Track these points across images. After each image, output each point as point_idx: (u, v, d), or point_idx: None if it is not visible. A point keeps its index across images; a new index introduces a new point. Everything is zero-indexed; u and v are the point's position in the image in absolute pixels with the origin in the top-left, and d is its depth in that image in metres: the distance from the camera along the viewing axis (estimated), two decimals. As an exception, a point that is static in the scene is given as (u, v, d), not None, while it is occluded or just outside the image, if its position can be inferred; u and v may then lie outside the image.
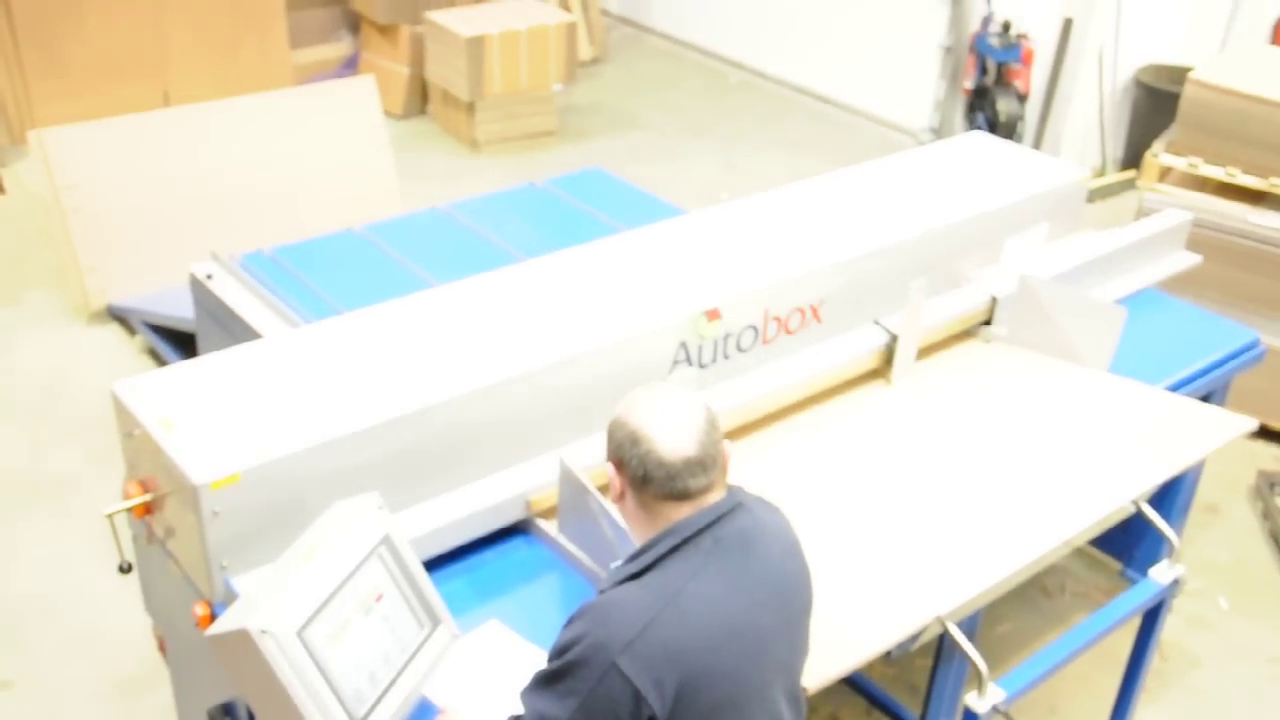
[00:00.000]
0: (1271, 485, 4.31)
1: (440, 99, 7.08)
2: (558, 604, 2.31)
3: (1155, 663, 2.98)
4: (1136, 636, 2.93)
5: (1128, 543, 3.76)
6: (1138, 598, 2.71)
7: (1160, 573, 2.73)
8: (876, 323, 3.07)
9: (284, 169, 5.33)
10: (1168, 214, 3.70)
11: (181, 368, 2.43)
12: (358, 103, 5.56)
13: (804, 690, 2.02)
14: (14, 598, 3.72)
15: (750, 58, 8.17)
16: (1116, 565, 3.92)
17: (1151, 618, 2.85)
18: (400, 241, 3.68)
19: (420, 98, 7.31)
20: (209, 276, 3.39)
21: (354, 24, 7.53)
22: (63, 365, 4.84)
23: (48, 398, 4.65)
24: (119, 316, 5.06)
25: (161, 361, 4.65)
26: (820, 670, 2.10)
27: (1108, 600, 2.75)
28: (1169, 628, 3.41)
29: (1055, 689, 3.38)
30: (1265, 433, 4.50)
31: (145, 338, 4.87)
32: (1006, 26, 6.49)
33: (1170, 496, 3.21)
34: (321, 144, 5.43)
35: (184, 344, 4.50)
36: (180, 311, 4.20)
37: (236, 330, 3.18)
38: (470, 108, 6.79)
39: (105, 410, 2.44)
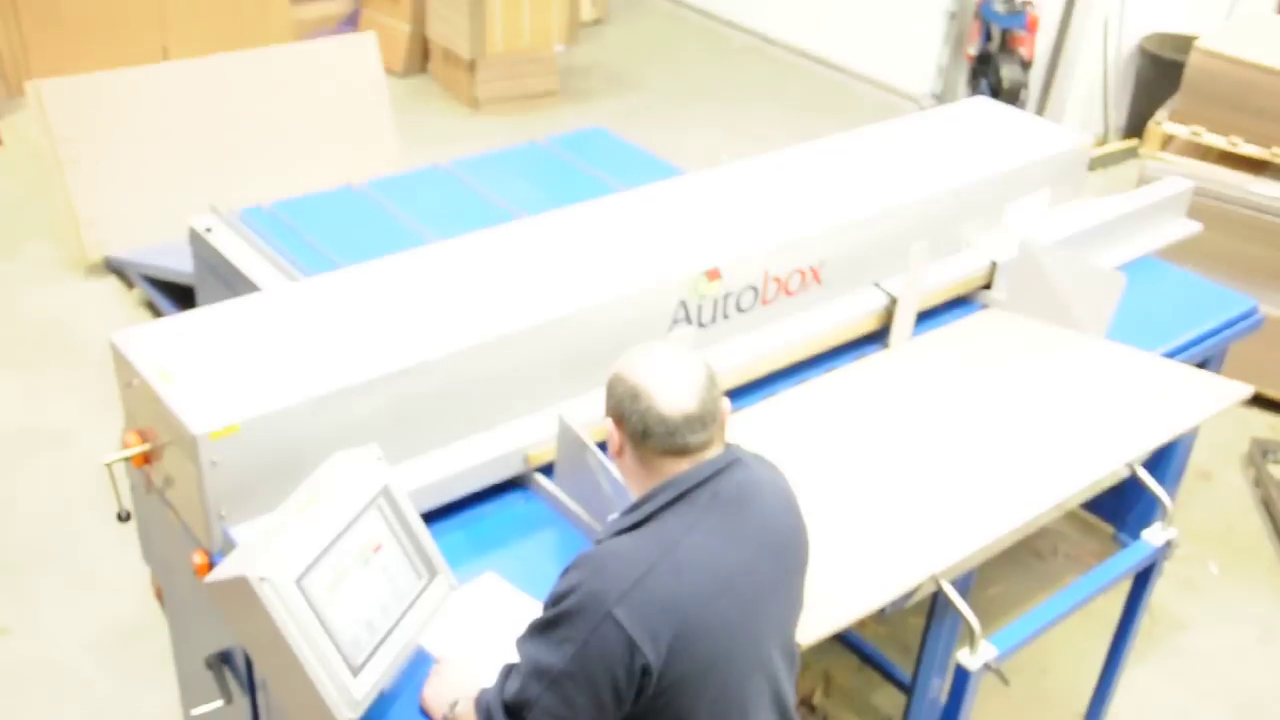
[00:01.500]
0: (1264, 453, 4.34)
1: (441, 57, 7.04)
2: (554, 557, 2.33)
3: (1144, 625, 3.01)
4: (1127, 599, 2.95)
5: (1120, 507, 3.77)
6: (1130, 559, 2.73)
7: (1153, 534, 2.75)
8: (876, 285, 3.07)
9: (283, 125, 5.30)
10: (1169, 182, 3.69)
11: (181, 319, 2.43)
12: (358, 60, 5.53)
13: (798, 645, 2.04)
14: (13, 546, 3.74)
15: (754, 21, 8.12)
16: (1109, 529, 3.94)
17: (1142, 580, 2.87)
18: (400, 198, 3.67)
19: (421, 56, 7.26)
20: (208, 230, 3.38)
21: (355, -20, 7.49)
22: (60, 317, 4.84)
23: (46, 349, 4.65)
24: (117, 269, 5.06)
25: (159, 315, 4.65)
26: (814, 625, 2.12)
27: (1099, 563, 2.77)
28: (1158, 591, 3.44)
29: (1046, 649, 3.41)
30: (1259, 400, 4.52)
31: (143, 291, 4.87)
32: (1012, -8, 6.46)
33: (1164, 462, 3.23)
34: (321, 100, 5.40)
35: (182, 298, 4.50)
36: (179, 265, 4.19)
37: (235, 284, 3.18)
38: (471, 66, 6.75)
39: (103, 362, 2.44)
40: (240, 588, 1.83)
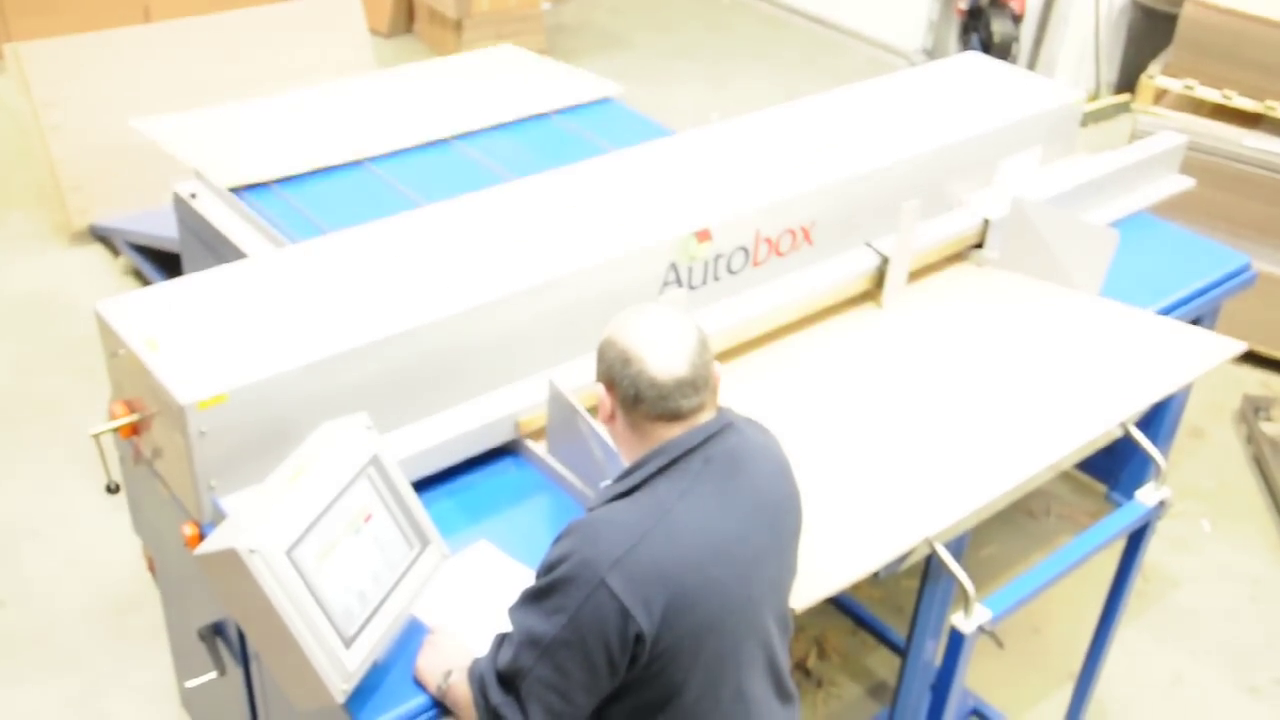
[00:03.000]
0: (1256, 410, 4.34)
1: (427, 17, 6.96)
2: (546, 524, 2.32)
3: (1137, 583, 3.01)
4: (1120, 558, 2.95)
5: (1113, 466, 3.79)
6: (1124, 519, 2.72)
7: (1147, 494, 2.74)
8: (868, 245, 3.05)
9: (267, 87, 5.23)
10: (1162, 137, 3.67)
11: (167, 287, 2.40)
12: (342, 19, 5.46)
13: (792, 611, 2.03)
14: (2, 519, 3.72)
15: (742, -24, 8.04)
16: (1101, 489, 3.95)
17: (1136, 540, 2.87)
18: (386, 161, 3.62)
19: (407, 15, 7.18)
20: (193, 196, 3.34)
21: (337, -62, 7.37)
22: (45, 287, 4.80)
23: (31, 319, 4.61)
24: (102, 237, 5.01)
25: (146, 282, 4.61)
26: (808, 590, 2.11)
27: (1092, 523, 2.77)
28: (1151, 549, 3.45)
29: (1038, 608, 3.42)
30: (1251, 357, 4.51)
31: (129, 258, 4.82)
32: (1003, -55, 6.39)
33: (1157, 420, 3.23)
34: (305, 61, 5.33)
35: (168, 265, 4.46)
36: (164, 231, 4.15)
37: (221, 250, 3.14)
38: (458, 26, 6.67)
39: (89, 331, 2.41)
40: (230, 559, 1.82)
